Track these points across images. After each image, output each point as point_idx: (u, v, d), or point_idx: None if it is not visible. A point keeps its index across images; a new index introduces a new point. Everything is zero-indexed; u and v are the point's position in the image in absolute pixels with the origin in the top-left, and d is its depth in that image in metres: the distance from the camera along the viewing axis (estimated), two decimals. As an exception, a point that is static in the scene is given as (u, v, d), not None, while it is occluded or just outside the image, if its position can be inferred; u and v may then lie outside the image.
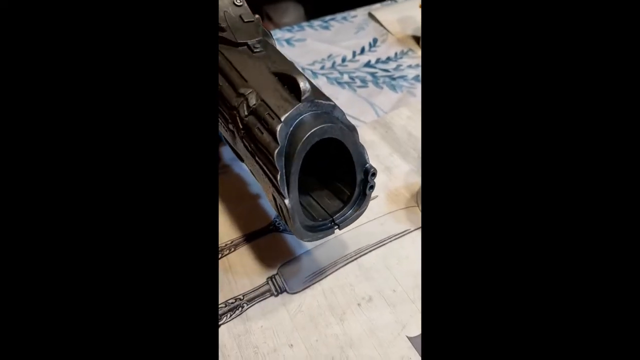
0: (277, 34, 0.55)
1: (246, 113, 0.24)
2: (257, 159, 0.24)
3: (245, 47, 0.28)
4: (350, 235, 0.32)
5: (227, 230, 0.32)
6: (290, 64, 0.28)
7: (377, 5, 0.60)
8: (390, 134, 0.40)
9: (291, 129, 0.22)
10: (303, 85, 0.23)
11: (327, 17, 0.58)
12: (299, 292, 0.29)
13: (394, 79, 0.47)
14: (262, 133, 0.23)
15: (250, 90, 0.24)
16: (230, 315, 0.27)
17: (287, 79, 0.24)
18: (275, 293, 0.29)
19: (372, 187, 0.26)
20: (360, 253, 0.31)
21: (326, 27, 0.56)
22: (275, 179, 0.22)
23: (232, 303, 0.28)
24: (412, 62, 0.50)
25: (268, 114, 0.23)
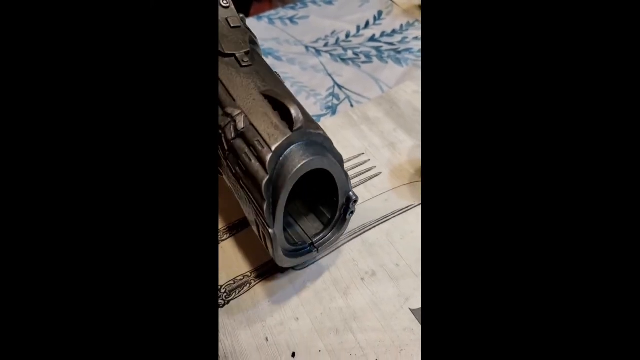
0: (280, 12, 0.54)
1: (233, 135, 0.23)
2: (242, 183, 0.23)
3: (233, 58, 0.26)
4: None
5: (235, 209, 0.33)
6: (281, 85, 0.27)
7: (383, -25, 0.59)
8: (395, 110, 0.40)
9: (280, 158, 0.22)
10: (295, 114, 0.22)
11: (331, -8, 0.57)
12: (304, 268, 0.29)
13: (399, 52, 0.46)
14: (250, 160, 0.22)
15: (239, 112, 0.23)
16: (239, 292, 0.29)
17: (278, 104, 0.23)
18: (282, 270, 0.29)
19: (352, 212, 0.27)
20: (364, 229, 0.31)
21: (330, 2, 0.55)
22: (262, 208, 0.22)
23: (240, 280, 0.29)
24: (418, 33, 0.49)
25: (257, 140, 0.22)
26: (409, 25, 0.50)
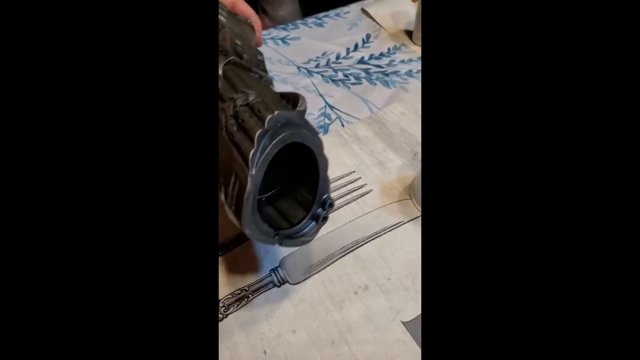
0: (272, 32, 0.56)
1: (241, 104, 0.25)
2: (234, 140, 0.24)
3: (257, 75, 0.32)
4: (347, 228, 0.34)
5: (232, 226, 0.34)
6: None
7: (370, 0, 0.61)
8: (384, 130, 0.42)
9: (279, 125, 0.23)
10: (302, 100, 0.25)
11: (321, 14, 0.59)
12: (300, 282, 0.31)
13: (387, 74, 0.49)
14: (251, 118, 0.24)
15: (253, 92, 0.26)
16: (237, 305, 0.30)
17: (289, 96, 0.26)
18: (278, 284, 0.31)
19: (325, 218, 0.27)
20: (357, 245, 0.33)
21: (320, 24, 0.57)
22: (248, 153, 0.23)
23: (238, 294, 0.30)
24: (405, 57, 0.51)
25: (264, 107, 0.24)
26: (395, 48, 0.53)
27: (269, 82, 0.33)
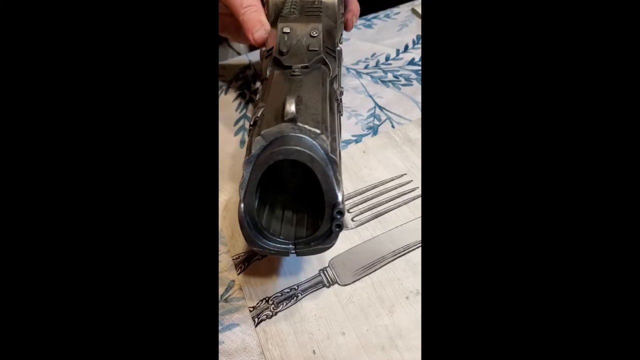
0: (321, 34, 0.56)
1: (252, 123, 0.27)
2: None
3: (288, 70, 0.30)
4: (397, 232, 0.33)
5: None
6: (310, 88, 0.28)
7: (420, 0, 0.60)
8: (436, 132, 0.41)
9: (267, 144, 0.24)
10: (287, 107, 0.24)
11: (370, 16, 0.59)
12: (350, 284, 0.30)
13: (438, 76, 0.48)
14: (252, 139, 0.25)
15: (263, 105, 0.27)
16: (287, 304, 0.30)
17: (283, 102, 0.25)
18: (327, 284, 0.30)
19: (339, 226, 0.25)
20: (408, 249, 0.32)
21: (369, 26, 0.57)
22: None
23: (287, 292, 0.30)
24: (457, 58, 0.50)
25: (258, 128, 0.25)
26: (447, 49, 0.51)
27: (304, 76, 0.29)
